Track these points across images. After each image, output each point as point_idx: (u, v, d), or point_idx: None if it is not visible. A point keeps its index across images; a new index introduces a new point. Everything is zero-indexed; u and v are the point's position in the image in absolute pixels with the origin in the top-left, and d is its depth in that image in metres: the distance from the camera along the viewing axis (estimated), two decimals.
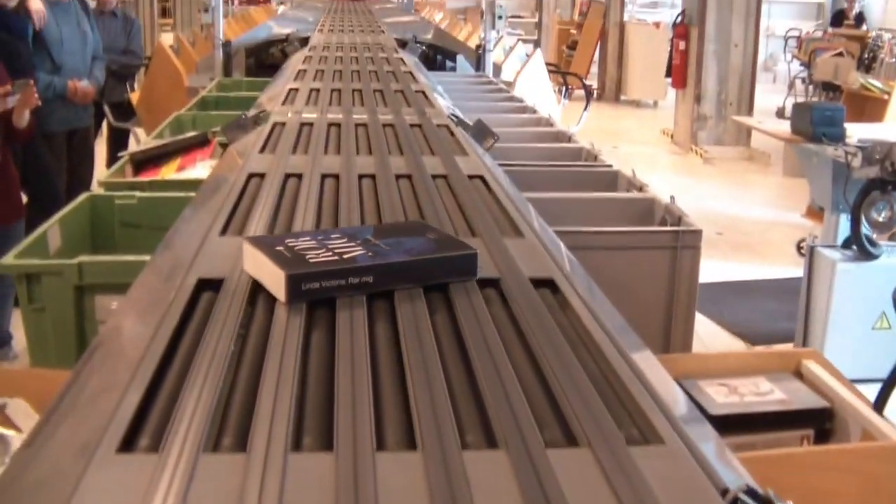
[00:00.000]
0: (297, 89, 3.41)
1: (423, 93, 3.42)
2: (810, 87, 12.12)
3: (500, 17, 5.69)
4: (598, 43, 15.26)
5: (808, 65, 11.98)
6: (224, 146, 3.37)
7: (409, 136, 2.46)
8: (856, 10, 15.50)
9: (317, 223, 1.61)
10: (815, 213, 7.07)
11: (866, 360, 4.86)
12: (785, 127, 5.43)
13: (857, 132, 4.94)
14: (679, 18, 10.93)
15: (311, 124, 2.62)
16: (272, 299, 1.21)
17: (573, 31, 16.02)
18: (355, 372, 0.99)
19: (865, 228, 4.67)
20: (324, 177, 1.97)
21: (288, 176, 1.96)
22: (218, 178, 2.09)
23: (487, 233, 1.55)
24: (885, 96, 6.76)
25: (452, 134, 2.57)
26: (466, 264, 1.30)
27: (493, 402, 0.94)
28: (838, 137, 4.78)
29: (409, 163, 2.12)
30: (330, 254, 1.25)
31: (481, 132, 2.71)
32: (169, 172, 3.18)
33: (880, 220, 4.62)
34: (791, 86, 14.41)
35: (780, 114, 13.77)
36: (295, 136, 2.43)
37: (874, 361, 4.84)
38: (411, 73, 4.06)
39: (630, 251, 2.34)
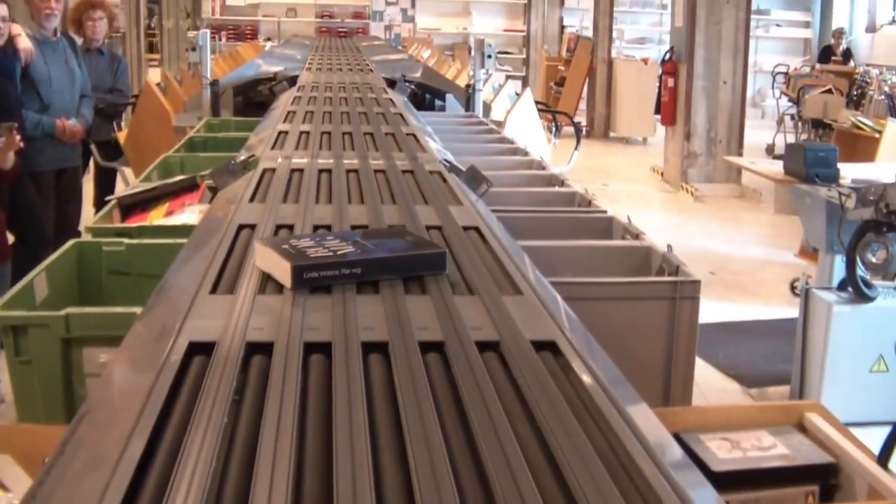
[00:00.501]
0: (286, 132, 3.40)
1: (414, 136, 3.40)
2: (800, 125, 12.17)
3: (489, 56, 5.70)
4: (587, 79, 15.32)
5: (796, 101, 12.05)
6: (213, 191, 3.36)
7: (401, 183, 2.44)
8: (843, 46, 15.62)
9: None
10: (808, 253, 7.07)
11: (864, 404, 4.84)
12: (777, 167, 5.43)
13: (850, 172, 4.94)
14: (667, 55, 10.99)
15: (301, 170, 2.60)
16: (266, 365, 1.18)
17: (561, 68, 16.08)
18: (349, 350, 1.19)
19: (861, 270, 4.66)
20: (315, 227, 1.95)
21: (279, 227, 1.93)
22: (208, 229, 2.06)
23: (485, 290, 1.52)
24: (877, 135, 6.78)
25: (445, 181, 2.55)
26: (437, 260, 1.60)
27: (498, 477, 0.91)
28: (832, 178, 4.78)
29: (403, 213, 2.10)
30: (326, 251, 1.56)
31: (474, 178, 2.69)
32: (157, 217, 3.14)
33: (876, 261, 4.61)
34: (780, 122, 14.48)
35: (769, 151, 13.83)
36: (285, 183, 2.40)
37: (872, 405, 4.82)
38: (401, 115, 4.05)
39: (628, 302, 2.31)
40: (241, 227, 1.91)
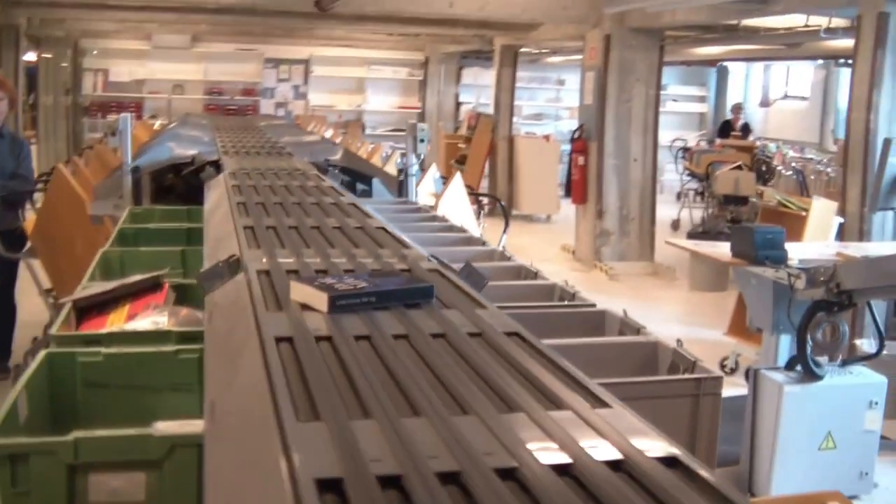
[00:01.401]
0: (251, 227, 3.34)
1: (384, 229, 3.39)
2: (710, 200, 12.53)
3: (422, 141, 5.74)
4: (488, 157, 15.54)
5: (706, 177, 12.42)
6: (177, 291, 3.28)
7: None
8: (742, 120, 16.23)
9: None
10: (738, 330, 7.24)
11: (814, 481, 4.96)
12: (719, 249, 5.57)
13: (795, 253, 5.10)
14: (576, 133, 11.23)
15: (296, 271, 2.55)
16: None
17: (462, 146, 16.29)
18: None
19: (810, 350, 4.79)
20: (318, 340, 1.90)
21: (319, 338, 1.88)
22: (233, 340, 2.00)
23: (579, 406, 1.51)
24: (803, 213, 7.03)
25: (449, 280, 2.53)
26: (427, 292, 2.22)
27: None
28: (781, 259, 4.92)
29: (432, 320, 2.06)
30: (348, 285, 2.14)
31: (471, 276, 2.68)
32: (118, 320, 3.04)
33: (826, 341, 4.75)
34: (683, 197, 14.90)
35: (675, 226, 14.20)
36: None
37: (822, 482, 4.93)
38: (357, 206, 4.03)
39: (650, 401, 2.32)
40: (279, 340, 1.85)
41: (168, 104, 16.39)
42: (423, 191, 6.91)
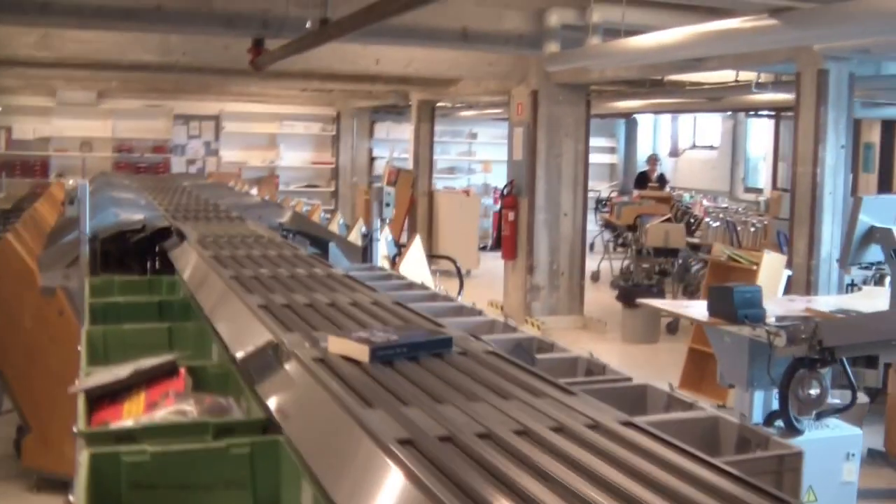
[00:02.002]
0: (265, 306, 3.25)
1: (402, 305, 3.33)
2: (633, 252, 12.68)
3: (387, 205, 5.68)
4: (408, 212, 15.54)
5: (631, 229, 12.58)
6: (195, 376, 3.16)
7: (473, 371, 2.36)
8: (657, 171, 16.54)
9: None
10: (691, 383, 7.31)
11: None
12: (694, 309, 5.62)
13: (770, 310, 5.17)
14: (507, 189, 11.29)
15: (352, 359, 2.47)
16: None
17: None
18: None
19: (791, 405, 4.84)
20: (442, 438, 1.84)
21: (441, 439, 1.82)
22: (336, 441, 1.92)
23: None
24: (754, 267, 7.14)
25: (512, 363, 2.48)
26: (448, 343, 2.61)
27: None
28: (759, 318, 4.98)
29: (521, 414, 2.01)
30: (383, 338, 2.52)
31: (522, 356, 2.65)
32: (136, 410, 2.90)
33: (810, 396, 4.81)
34: (604, 249, 15.10)
35: (594, 277, 14.33)
36: (350, 379, 2.28)
37: None
38: (355, 280, 3.96)
39: None
40: (403, 442, 1.78)
41: (84, 164, 15.95)
42: (379, 254, 6.84)
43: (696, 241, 11.38)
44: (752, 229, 10.82)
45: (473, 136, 20.19)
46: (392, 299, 3.51)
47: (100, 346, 3.91)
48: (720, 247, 8.01)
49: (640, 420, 2.08)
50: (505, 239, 11.44)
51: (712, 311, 5.19)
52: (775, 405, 5.37)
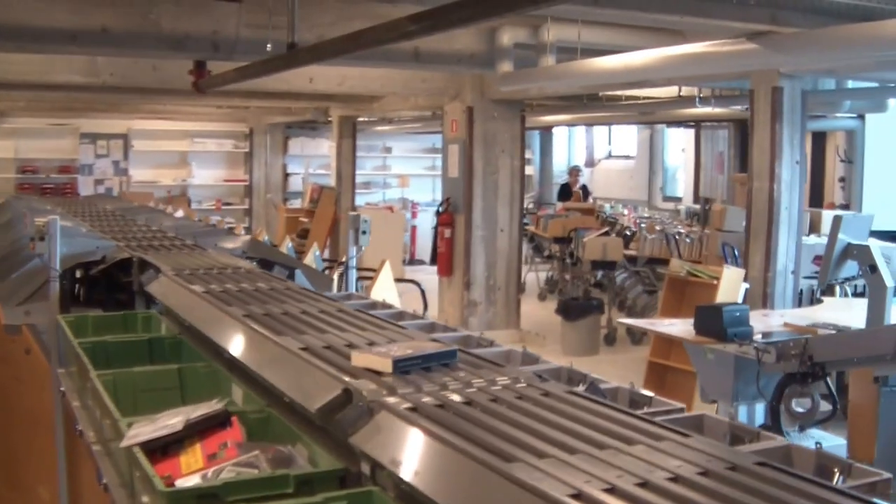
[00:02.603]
0: (306, 349, 3.24)
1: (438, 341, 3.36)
2: (566, 265, 12.85)
3: (364, 233, 5.68)
4: (331, 230, 15.49)
5: (564, 241, 12.72)
6: (249, 426, 3.13)
7: (577, 418, 2.41)
8: (579, 182, 16.77)
9: None
10: None
11: None
12: (678, 327, 5.74)
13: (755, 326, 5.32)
14: (443, 207, 11.34)
15: (441, 406, 2.50)
16: None
17: (303, 219, 16.16)
18: None
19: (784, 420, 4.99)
20: None
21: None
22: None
23: None
24: (714, 281, 7.31)
25: (592, 400, 2.54)
26: (453, 354, 3.03)
27: None
28: (747, 335, 5.12)
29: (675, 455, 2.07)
30: (402, 352, 2.93)
31: (597, 392, 2.70)
32: (195, 463, 2.86)
33: (801, 410, 4.96)
34: (529, 261, 15.28)
35: (520, 289, 14.47)
36: (438, 426, 2.32)
37: None
38: (368, 314, 3.97)
39: None
40: None
41: None
42: (352, 282, 6.83)
43: (632, 253, 11.58)
44: (688, 240, 11.05)
45: (388, 150, 20.21)
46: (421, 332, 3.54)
47: (110, 392, 3.84)
48: (678, 262, 8.18)
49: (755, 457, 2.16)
50: (441, 256, 11.48)
51: (700, 329, 5.32)
52: (759, 419, 5.54)
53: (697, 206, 16.81)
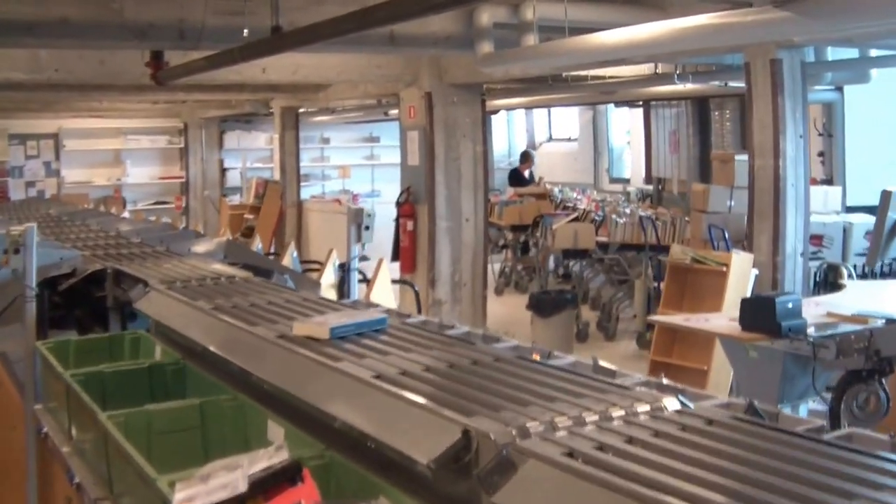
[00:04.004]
0: (380, 375, 2.68)
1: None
2: (533, 253, 12.34)
3: (366, 228, 5.09)
4: (277, 224, 14.80)
5: (521, 229, 12.20)
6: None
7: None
8: (530, 168, 16.31)
9: None
10: None
11: None
12: (718, 322, 5.24)
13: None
14: (403, 197, 10.70)
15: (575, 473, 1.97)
16: None
17: (248, 216, 15.44)
18: None
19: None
20: None
21: None
22: None
23: None
24: (723, 268, 6.84)
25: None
26: (382, 322, 3.42)
27: None
28: (802, 329, 4.64)
29: None
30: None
31: (756, 414, 2.20)
32: None
33: (865, 409, 4.51)
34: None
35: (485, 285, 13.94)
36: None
37: None
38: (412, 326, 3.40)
39: None
40: None
41: None
42: (325, 282, 6.24)
43: (602, 239, 11.07)
44: (659, 224, 10.58)
45: (326, 140, 19.48)
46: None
47: (122, 433, 3.23)
48: (680, 248, 7.68)
49: None
50: (403, 250, 10.81)
51: (748, 324, 4.80)
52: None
53: (649, 187, 16.52)
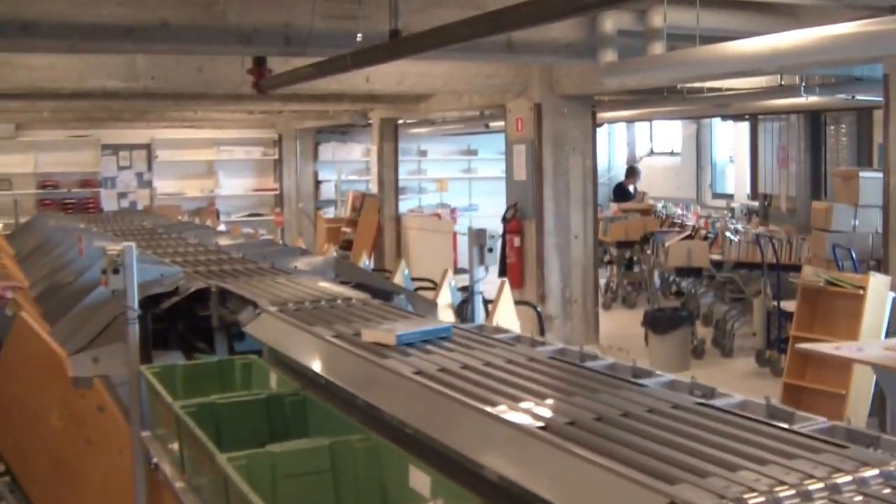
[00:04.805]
0: (546, 427, 2.34)
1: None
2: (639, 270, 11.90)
3: (490, 250, 4.76)
4: (376, 239, 14.56)
5: (628, 245, 11.77)
6: None
7: None
8: (635, 184, 15.87)
9: None
10: None
11: None
12: (879, 353, 4.82)
13: None
14: (510, 213, 10.39)
15: None
16: None
17: (346, 229, 15.22)
18: None
19: None
20: None
21: None
22: None
23: None
24: (860, 291, 6.40)
25: None
26: (448, 330, 3.62)
27: None
28: None
29: None
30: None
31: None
32: None
33: None
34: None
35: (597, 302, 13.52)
36: None
37: None
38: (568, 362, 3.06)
39: None
40: None
41: (17, 206, 14.50)
42: (442, 303, 5.93)
43: (717, 257, 10.58)
44: (775, 241, 10.05)
45: (423, 153, 19.21)
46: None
47: (244, 479, 2.93)
48: (812, 269, 7.24)
49: None
50: (511, 266, 10.50)
51: None
52: None
53: (753, 203, 15.94)
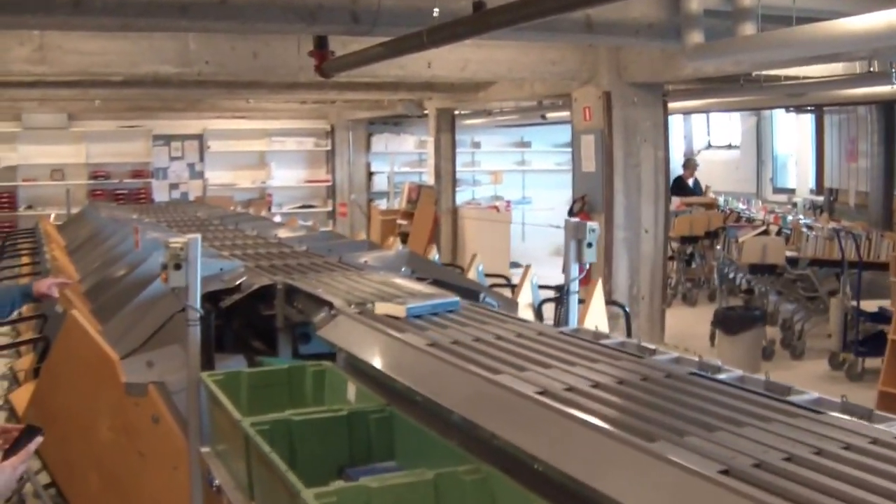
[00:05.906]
0: (727, 471, 1.82)
1: None
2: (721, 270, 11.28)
3: (589, 245, 4.23)
4: (432, 232, 14.06)
5: (692, 240, 11.16)
6: None
7: None
8: (693, 177, 15.27)
9: None
10: None
11: None
12: None
13: None
14: (577, 206, 9.83)
15: None
16: None
17: (402, 222, 14.74)
18: None
19: None
20: None
21: None
22: None
23: None
24: None
25: None
26: (455, 304, 3.83)
27: None
28: None
29: None
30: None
31: None
32: None
33: None
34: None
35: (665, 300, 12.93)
36: None
37: None
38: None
39: None
40: None
41: (69, 196, 14.13)
42: (522, 302, 5.41)
43: (792, 254, 9.97)
44: (866, 241, 9.43)
45: (476, 145, 18.67)
46: None
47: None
48: None
49: None
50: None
51: None
52: None
53: (817, 198, 15.28)
